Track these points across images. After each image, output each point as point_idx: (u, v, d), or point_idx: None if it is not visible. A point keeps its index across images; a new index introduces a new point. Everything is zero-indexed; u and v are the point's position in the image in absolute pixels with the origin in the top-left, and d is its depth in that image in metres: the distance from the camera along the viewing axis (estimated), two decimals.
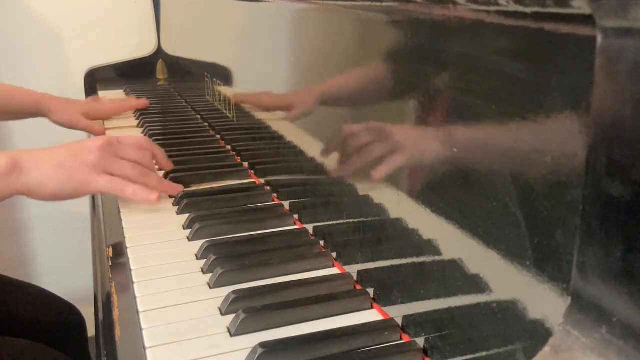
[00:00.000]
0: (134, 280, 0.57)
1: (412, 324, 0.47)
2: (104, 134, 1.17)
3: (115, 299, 0.55)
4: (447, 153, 0.40)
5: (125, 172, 0.73)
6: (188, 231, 0.67)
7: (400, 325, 0.48)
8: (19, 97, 1.13)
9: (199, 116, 1.20)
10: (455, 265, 0.40)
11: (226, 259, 0.58)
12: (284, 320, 0.49)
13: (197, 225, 0.66)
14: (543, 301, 0.32)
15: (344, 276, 0.56)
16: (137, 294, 0.54)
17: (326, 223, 0.62)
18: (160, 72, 1.64)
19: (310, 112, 0.66)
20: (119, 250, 0.64)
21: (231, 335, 0.48)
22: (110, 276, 0.59)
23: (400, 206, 0.47)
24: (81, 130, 1.18)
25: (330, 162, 0.60)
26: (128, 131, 1.16)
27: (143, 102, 1.28)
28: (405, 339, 0.47)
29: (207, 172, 0.84)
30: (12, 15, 1.57)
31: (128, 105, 1.27)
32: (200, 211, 0.71)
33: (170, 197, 0.78)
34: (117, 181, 0.72)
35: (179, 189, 0.78)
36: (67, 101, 1.19)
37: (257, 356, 0.44)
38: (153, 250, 0.63)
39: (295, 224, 0.69)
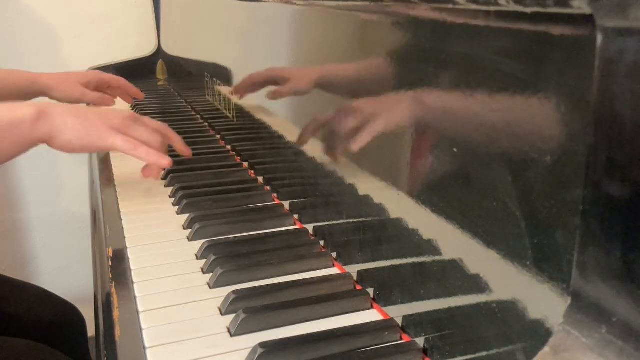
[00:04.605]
0: (134, 280, 0.57)
1: (412, 324, 0.47)
2: (114, 104, 1.11)
3: (115, 299, 0.55)
4: (447, 154, 0.40)
5: (142, 137, 0.74)
6: (188, 231, 0.67)
7: (400, 325, 0.48)
8: (15, 78, 1.06)
9: (199, 116, 1.20)
10: (455, 265, 0.40)
11: (226, 259, 0.58)
12: (284, 320, 0.49)
13: (197, 225, 0.66)
14: (543, 301, 0.32)
15: (344, 276, 0.56)
16: (137, 294, 0.54)
17: (326, 223, 0.62)
18: (160, 72, 1.64)
19: (302, 92, 0.67)
20: (119, 250, 0.64)
21: (231, 335, 0.48)
22: (110, 276, 0.59)
23: (400, 206, 0.47)
24: (89, 102, 1.09)
25: (330, 161, 0.60)
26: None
27: (140, 94, 1.22)
28: (405, 339, 0.47)
29: (207, 172, 0.85)
30: (12, 15, 1.57)
31: (129, 85, 1.19)
32: (200, 211, 0.71)
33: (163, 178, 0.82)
34: (132, 141, 0.73)
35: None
36: (65, 74, 1.10)
37: (257, 356, 0.44)
38: (153, 250, 0.63)
39: (295, 224, 0.69)
